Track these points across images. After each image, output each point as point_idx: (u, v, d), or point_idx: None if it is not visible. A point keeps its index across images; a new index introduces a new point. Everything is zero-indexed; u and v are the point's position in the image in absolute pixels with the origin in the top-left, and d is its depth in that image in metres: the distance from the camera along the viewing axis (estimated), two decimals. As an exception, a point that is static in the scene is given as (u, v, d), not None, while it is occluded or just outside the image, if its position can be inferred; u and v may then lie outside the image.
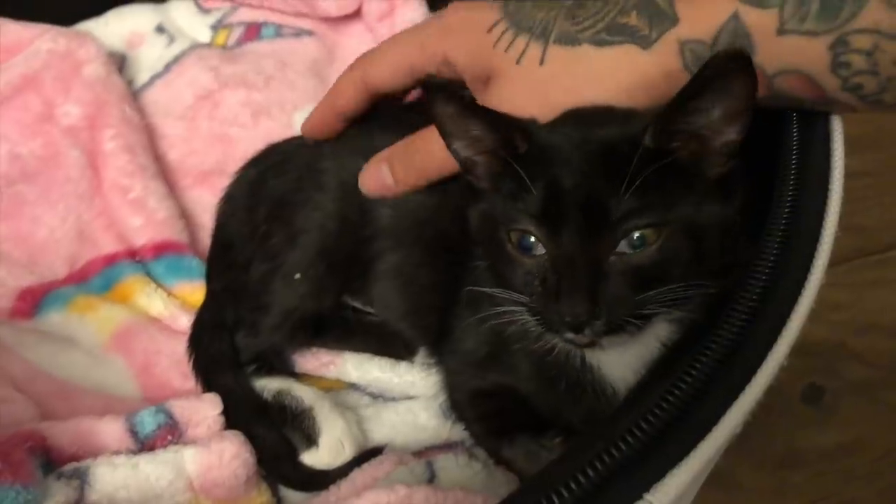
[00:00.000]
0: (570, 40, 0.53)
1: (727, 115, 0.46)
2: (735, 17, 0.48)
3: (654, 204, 0.45)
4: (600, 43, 0.52)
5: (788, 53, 0.47)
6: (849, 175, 0.50)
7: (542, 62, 0.54)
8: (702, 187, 0.47)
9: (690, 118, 0.46)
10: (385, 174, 0.62)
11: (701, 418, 0.38)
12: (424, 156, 0.60)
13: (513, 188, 0.49)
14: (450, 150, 0.53)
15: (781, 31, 0.47)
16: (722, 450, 0.39)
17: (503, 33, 0.56)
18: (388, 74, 0.62)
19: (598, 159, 0.47)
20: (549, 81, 0.50)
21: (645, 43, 0.51)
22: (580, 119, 0.51)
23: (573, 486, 0.35)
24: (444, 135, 0.52)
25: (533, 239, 0.48)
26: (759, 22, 0.47)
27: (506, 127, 0.50)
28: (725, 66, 0.43)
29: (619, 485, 0.36)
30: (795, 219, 0.46)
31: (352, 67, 0.65)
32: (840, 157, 0.51)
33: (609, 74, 0.51)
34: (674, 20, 0.50)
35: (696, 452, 0.37)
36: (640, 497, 0.36)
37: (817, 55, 0.46)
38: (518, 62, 0.55)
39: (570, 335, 0.47)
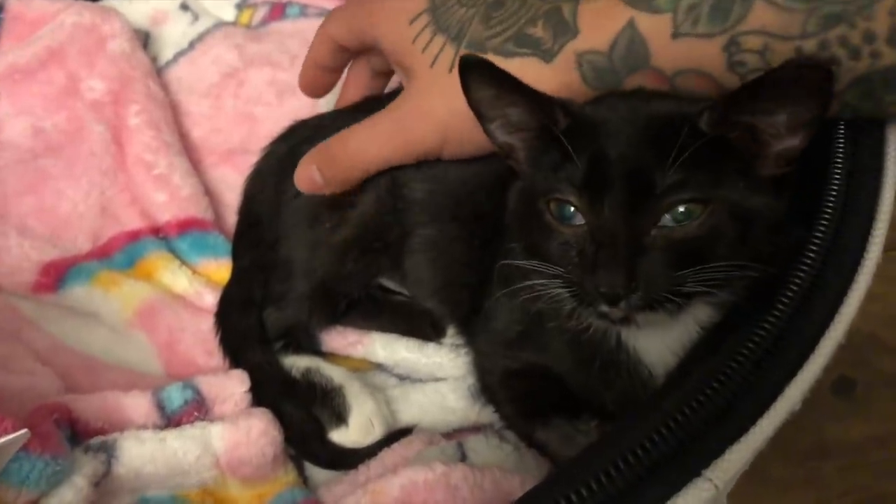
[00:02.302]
0: (478, 47, 0.55)
1: (791, 121, 0.45)
2: (631, 24, 0.49)
3: (700, 179, 0.45)
4: (506, 54, 0.54)
5: (685, 55, 0.48)
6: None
7: (450, 69, 0.55)
8: (754, 179, 0.46)
9: (753, 113, 0.45)
10: (314, 174, 0.62)
11: (761, 394, 0.37)
12: (344, 158, 0.61)
13: (555, 160, 0.49)
14: (486, 133, 0.53)
15: (676, 35, 0.48)
16: (779, 427, 0.38)
17: (423, 29, 0.57)
18: (344, 35, 0.65)
19: (647, 132, 0.47)
20: (456, 90, 0.51)
21: (547, 56, 0.52)
22: (624, 96, 0.51)
23: (631, 459, 0.34)
24: (481, 118, 0.52)
25: (573, 209, 0.48)
26: (654, 27, 0.49)
27: (545, 104, 0.49)
28: (799, 72, 0.42)
29: (678, 461, 0.35)
30: (852, 200, 0.45)
31: (322, 24, 0.68)
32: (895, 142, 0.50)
33: None
34: (574, 32, 0.52)
35: (756, 429, 0.36)
36: (698, 474, 0.35)
37: (713, 55, 0.47)
38: (431, 66, 0.57)
39: (604, 308, 0.46)
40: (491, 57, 0.53)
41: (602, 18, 0.51)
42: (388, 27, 0.60)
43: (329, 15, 0.67)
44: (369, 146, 0.60)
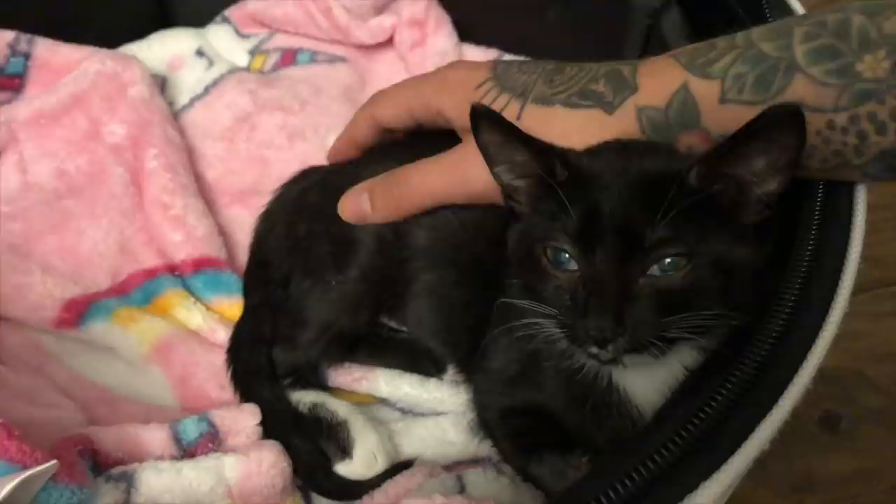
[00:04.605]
0: (545, 101, 0.58)
1: (772, 165, 0.48)
2: (685, 86, 0.53)
3: (686, 235, 0.48)
4: (571, 105, 0.57)
5: (730, 119, 0.51)
6: (868, 207, 0.52)
7: (518, 118, 0.59)
8: (736, 230, 0.49)
9: (736, 164, 0.48)
10: (364, 202, 0.65)
11: (734, 432, 0.40)
12: (403, 188, 0.64)
13: (552, 209, 0.52)
14: (492, 175, 0.56)
15: (723, 101, 0.52)
16: (751, 465, 0.41)
17: (488, 91, 0.61)
18: (392, 116, 0.69)
19: (638, 187, 0.49)
20: None
21: (609, 108, 0.56)
22: (620, 149, 0.54)
23: (612, 494, 0.37)
24: (489, 160, 0.55)
25: (567, 256, 0.51)
26: (705, 91, 0.52)
27: (547, 154, 0.52)
28: (777, 118, 0.45)
29: (655, 495, 0.38)
30: (821, 247, 0.48)
31: (365, 105, 0.72)
32: (863, 188, 0.53)
33: (577, 133, 0.56)
34: (634, 89, 0.55)
35: (728, 466, 0.39)
36: (673, 507, 0.38)
37: None
38: None
39: (594, 349, 0.49)
40: (558, 108, 0.57)
41: (660, 79, 0.54)
42: (454, 94, 0.63)
43: (372, 100, 0.71)
44: (430, 180, 0.63)
